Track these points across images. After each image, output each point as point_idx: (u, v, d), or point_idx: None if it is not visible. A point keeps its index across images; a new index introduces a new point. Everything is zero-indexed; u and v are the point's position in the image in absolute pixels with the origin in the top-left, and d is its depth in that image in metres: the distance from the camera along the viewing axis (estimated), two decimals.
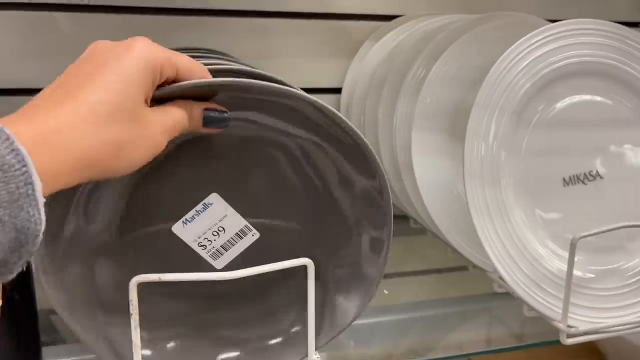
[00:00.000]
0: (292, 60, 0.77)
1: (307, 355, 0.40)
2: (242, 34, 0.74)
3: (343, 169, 0.39)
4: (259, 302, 0.42)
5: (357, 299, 0.40)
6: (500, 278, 0.49)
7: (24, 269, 0.39)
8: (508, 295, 0.55)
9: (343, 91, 0.77)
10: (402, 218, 0.78)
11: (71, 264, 0.37)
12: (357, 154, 0.37)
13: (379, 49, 0.72)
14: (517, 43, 0.48)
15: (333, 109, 0.36)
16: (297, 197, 0.41)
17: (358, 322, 0.53)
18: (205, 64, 0.38)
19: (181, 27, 0.71)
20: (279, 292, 0.42)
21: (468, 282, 0.59)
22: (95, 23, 0.66)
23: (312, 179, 0.40)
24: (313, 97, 0.36)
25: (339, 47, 0.77)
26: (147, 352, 0.38)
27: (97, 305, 0.38)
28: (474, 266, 0.58)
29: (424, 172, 0.56)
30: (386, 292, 0.58)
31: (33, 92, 0.67)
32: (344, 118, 0.36)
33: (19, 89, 0.65)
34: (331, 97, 0.78)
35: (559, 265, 0.48)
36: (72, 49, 0.64)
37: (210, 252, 0.40)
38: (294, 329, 0.42)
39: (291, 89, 0.35)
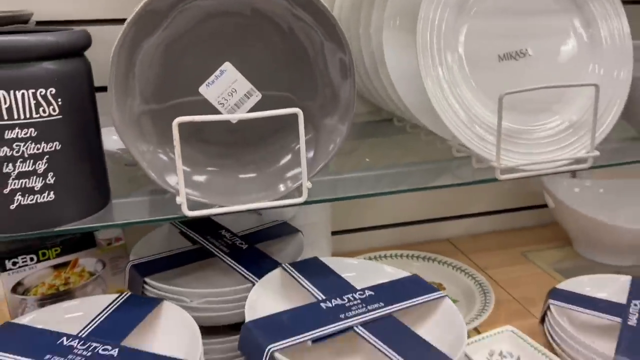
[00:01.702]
0: None
1: (306, 182, 0.55)
2: None
3: (320, 36, 0.53)
4: (269, 141, 0.58)
5: (339, 120, 0.54)
6: (454, 138, 0.63)
7: (94, 124, 0.55)
8: (464, 158, 0.70)
9: (334, 10, 0.90)
10: (388, 121, 0.92)
11: (128, 118, 0.52)
12: (327, 22, 0.51)
13: None
14: None
15: None
16: (289, 65, 0.56)
17: (346, 175, 0.68)
18: None
19: None
20: (281, 132, 0.58)
21: (436, 153, 0.74)
22: None
23: (300, 47, 0.55)
24: None
25: None
26: (187, 168, 0.54)
27: (148, 141, 0.53)
28: (427, 135, 0.73)
29: (394, 64, 0.70)
30: (367, 160, 0.73)
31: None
32: None
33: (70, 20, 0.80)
34: None
35: (496, 122, 0.62)
36: None
37: (227, 109, 0.55)
38: (297, 147, 0.56)
39: None
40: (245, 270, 0.67)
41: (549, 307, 0.72)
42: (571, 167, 0.64)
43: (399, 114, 0.82)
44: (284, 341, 0.52)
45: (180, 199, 0.53)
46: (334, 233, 1.01)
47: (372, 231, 1.05)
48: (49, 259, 0.74)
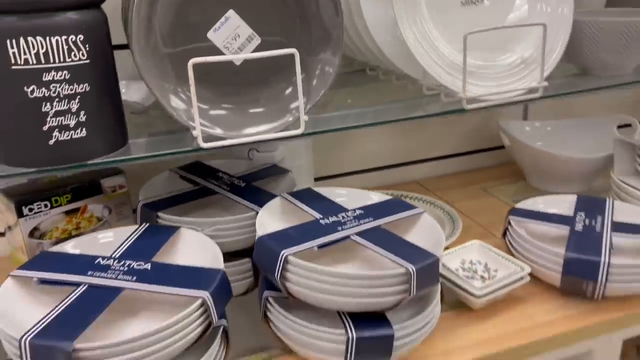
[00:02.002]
0: None
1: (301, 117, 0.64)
2: None
3: None
4: (271, 80, 0.66)
5: (332, 54, 0.63)
6: (425, 76, 0.73)
7: (114, 70, 0.61)
8: (434, 95, 0.80)
9: None
10: (361, 71, 1.01)
11: (151, 59, 0.59)
12: None
13: None
14: None
15: None
16: (285, 12, 0.64)
17: (333, 113, 0.76)
18: None
19: None
20: (280, 73, 0.66)
21: (409, 94, 0.83)
22: None
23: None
24: None
25: None
26: (203, 106, 0.62)
27: (169, 81, 0.60)
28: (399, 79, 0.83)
29: (369, 13, 0.78)
30: (349, 101, 0.82)
31: None
32: None
33: None
34: None
35: (461, 59, 0.71)
36: None
37: (232, 52, 0.62)
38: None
39: None
40: (247, 202, 0.75)
41: (509, 222, 0.83)
42: (525, 97, 0.75)
43: (372, 61, 0.91)
44: (295, 247, 0.61)
45: (197, 132, 0.61)
46: (316, 179, 1.10)
47: (348, 176, 1.15)
48: (60, 205, 0.80)
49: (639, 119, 1.12)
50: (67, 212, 0.81)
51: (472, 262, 0.80)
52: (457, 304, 0.76)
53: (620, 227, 0.79)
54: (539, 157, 1.06)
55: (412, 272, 0.58)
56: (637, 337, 1.03)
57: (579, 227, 0.79)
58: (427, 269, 0.60)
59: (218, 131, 0.62)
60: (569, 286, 0.74)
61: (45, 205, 0.79)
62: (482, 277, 0.77)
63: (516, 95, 0.74)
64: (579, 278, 0.72)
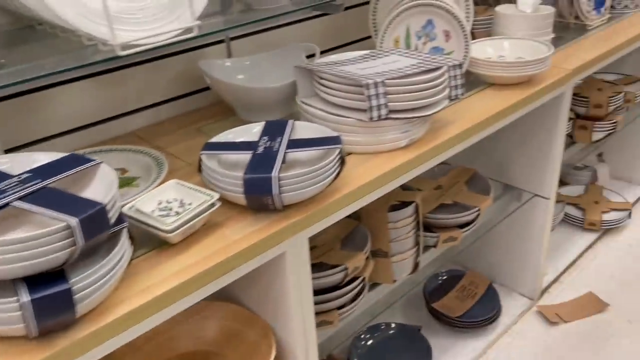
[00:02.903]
0: None
1: None
2: None
3: None
4: None
5: None
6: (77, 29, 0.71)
7: None
8: (94, 45, 0.79)
9: None
10: (30, 27, 0.95)
11: None
12: None
13: None
14: None
15: None
16: None
17: None
18: None
19: None
20: None
21: (73, 46, 0.81)
22: None
23: None
24: None
25: None
26: None
27: None
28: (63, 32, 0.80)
29: None
30: (2, 61, 0.77)
31: None
32: None
33: None
34: None
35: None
36: None
37: None
38: None
39: None
40: None
41: (200, 158, 0.89)
42: (182, 37, 0.78)
43: (37, 15, 0.86)
44: None
45: None
46: (9, 150, 1.02)
47: (54, 139, 1.09)
48: None
49: (323, 47, 1.26)
50: None
51: (168, 201, 0.84)
52: (161, 243, 0.80)
53: (294, 144, 0.90)
54: (237, 91, 1.13)
55: (74, 225, 0.59)
56: (343, 231, 1.20)
57: (260, 150, 0.88)
58: (91, 218, 0.61)
59: None
60: (254, 204, 0.83)
61: None
62: (177, 212, 0.81)
63: (173, 37, 0.77)
64: (259, 195, 0.81)
